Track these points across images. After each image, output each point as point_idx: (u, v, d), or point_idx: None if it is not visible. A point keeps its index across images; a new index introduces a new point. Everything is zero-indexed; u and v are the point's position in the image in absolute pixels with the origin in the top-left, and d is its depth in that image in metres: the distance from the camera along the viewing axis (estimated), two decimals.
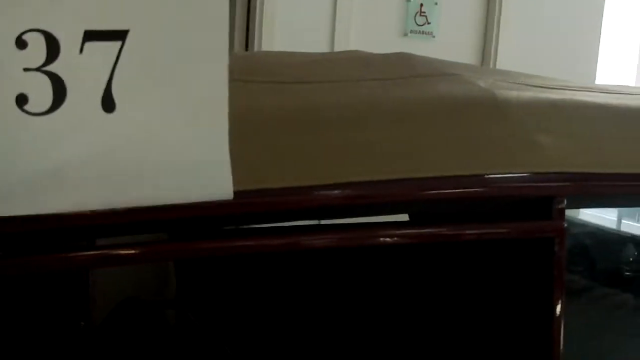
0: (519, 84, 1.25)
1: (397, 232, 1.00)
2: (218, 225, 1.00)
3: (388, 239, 0.99)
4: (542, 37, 4.71)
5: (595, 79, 4.84)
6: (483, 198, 1.02)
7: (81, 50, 0.78)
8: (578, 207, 1.25)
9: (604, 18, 4.81)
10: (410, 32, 4.57)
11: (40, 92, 0.76)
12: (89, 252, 0.89)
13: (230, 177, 0.84)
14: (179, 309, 1.98)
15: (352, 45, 4.25)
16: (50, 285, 1.20)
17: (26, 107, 0.76)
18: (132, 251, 0.90)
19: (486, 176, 1.01)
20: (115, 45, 0.79)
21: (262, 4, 4.06)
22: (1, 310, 1.18)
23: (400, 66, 1.26)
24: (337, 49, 4.25)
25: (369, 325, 1.52)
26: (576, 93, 1.23)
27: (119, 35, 0.79)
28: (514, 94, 1.14)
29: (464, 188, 1.00)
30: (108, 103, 0.79)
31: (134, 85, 0.79)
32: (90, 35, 0.77)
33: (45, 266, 0.88)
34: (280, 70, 1.16)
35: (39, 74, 0.76)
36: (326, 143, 0.97)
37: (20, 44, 0.75)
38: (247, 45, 4.12)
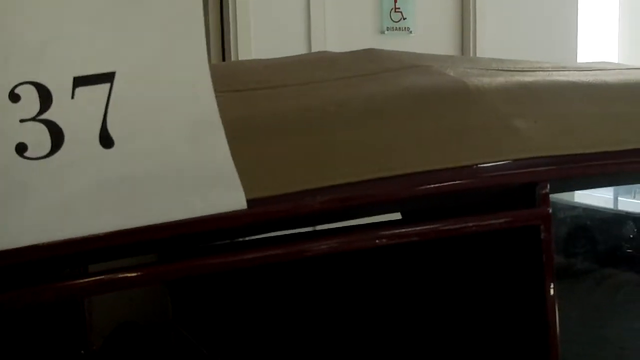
0: (490, 69, 1.22)
1: (382, 232, 0.96)
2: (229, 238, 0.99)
3: (376, 240, 0.96)
4: (520, 25, 4.71)
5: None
6: (464, 190, 0.98)
7: (73, 95, 0.82)
8: (562, 190, 1.22)
9: (579, 3, 4.81)
10: (387, 30, 4.55)
11: (38, 139, 0.80)
12: (87, 279, 0.87)
13: (240, 187, 0.86)
14: (176, 330, 1.95)
15: (329, 48, 4.23)
16: (46, 313, 1.17)
17: (26, 154, 0.79)
18: (133, 274, 0.89)
19: (465, 168, 0.98)
20: (105, 86, 0.83)
21: (234, 11, 4.04)
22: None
23: (368, 62, 1.23)
24: (314, 48, 4.23)
25: (366, 325, 1.49)
26: (550, 74, 1.20)
27: (107, 77, 0.83)
28: (485, 80, 1.11)
29: (442, 182, 0.96)
30: (106, 140, 0.82)
31: (128, 119, 0.83)
32: (79, 81, 0.82)
33: (44, 297, 0.87)
34: (242, 78, 1.13)
35: (35, 123, 0.80)
36: (294, 149, 0.94)
37: (14, 97, 0.79)
38: (223, 55, 4.09)
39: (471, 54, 4.74)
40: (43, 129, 0.81)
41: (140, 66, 0.84)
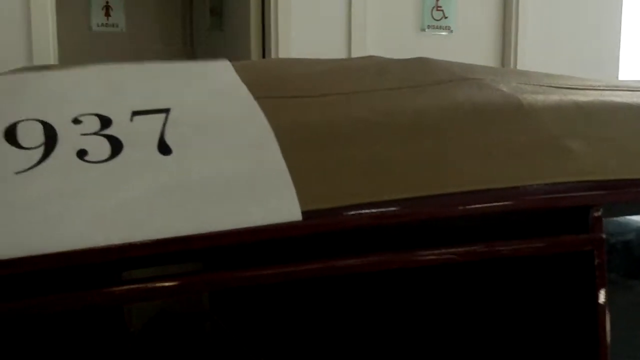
0: (543, 86, 1.20)
1: (430, 252, 0.95)
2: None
3: (421, 259, 0.95)
4: (562, 27, 4.64)
5: (618, 67, 4.76)
6: (513, 211, 0.97)
7: (131, 120, 0.90)
8: (616, 215, 1.19)
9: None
10: (428, 28, 4.52)
11: (98, 147, 0.85)
12: (127, 287, 0.87)
13: (295, 198, 0.86)
14: (212, 320, 1.97)
15: (369, 43, 4.21)
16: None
17: (86, 158, 0.84)
18: (178, 282, 0.88)
19: (515, 188, 0.96)
20: (161, 115, 0.91)
21: (276, 7, 4.03)
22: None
23: (418, 72, 1.22)
24: (354, 47, 4.22)
25: (406, 341, 1.48)
26: (602, 93, 1.18)
27: (163, 111, 0.91)
28: (539, 98, 1.10)
29: (492, 202, 0.95)
30: (163, 148, 0.87)
31: (185, 132, 0.89)
32: (138, 113, 0.90)
33: (90, 301, 0.87)
34: (293, 84, 1.13)
35: (95, 136, 0.86)
36: (345, 161, 0.93)
37: (76, 122, 0.88)
38: (263, 49, 4.09)
39: (512, 54, 4.69)
40: (103, 140, 0.87)
41: (194, 103, 0.94)
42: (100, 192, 0.82)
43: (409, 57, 4.68)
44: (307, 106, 1.03)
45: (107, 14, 5.22)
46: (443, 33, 4.58)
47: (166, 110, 0.92)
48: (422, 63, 1.28)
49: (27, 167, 0.82)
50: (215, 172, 0.87)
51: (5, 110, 0.90)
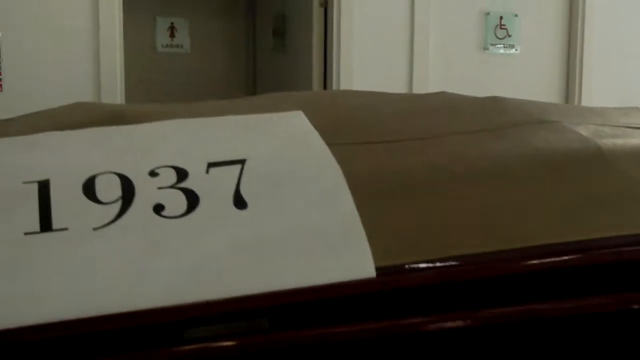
0: (621, 127, 1.17)
1: (497, 310, 0.92)
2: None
3: (489, 318, 0.92)
4: (629, 43, 4.54)
5: None
6: (590, 264, 0.94)
7: (207, 172, 0.90)
8: None
9: None
10: (491, 46, 4.46)
11: (175, 201, 0.85)
12: (194, 346, 0.86)
13: (369, 254, 0.85)
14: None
15: (432, 63, 4.18)
16: None
17: (163, 213, 0.84)
18: (241, 342, 0.87)
19: (596, 240, 0.93)
20: (237, 167, 0.91)
21: (338, 27, 4.03)
22: None
23: (493, 113, 1.19)
24: (415, 67, 4.19)
25: None
26: None
27: (238, 162, 0.92)
28: (619, 142, 1.06)
29: (570, 255, 0.91)
30: (239, 202, 0.87)
31: (260, 186, 0.89)
32: (213, 164, 0.91)
33: None
34: (364, 127, 1.12)
35: (171, 189, 0.87)
36: (421, 213, 0.91)
37: (153, 174, 0.88)
38: (325, 70, 4.09)
39: (577, 73, 4.60)
40: (179, 193, 0.87)
41: (268, 155, 0.94)
42: (177, 250, 0.82)
43: (472, 76, 4.64)
44: (380, 153, 1.02)
45: (172, 35, 5.31)
46: (507, 52, 4.52)
47: (241, 161, 0.92)
48: (495, 103, 1.25)
49: (105, 222, 0.83)
50: (290, 228, 0.86)
51: (84, 162, 0.91)
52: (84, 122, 1.04)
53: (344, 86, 4.01)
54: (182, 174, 0.89)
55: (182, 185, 0.87)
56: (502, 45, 4.52)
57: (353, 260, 0.85)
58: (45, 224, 0.81)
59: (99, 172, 0.88)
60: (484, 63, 4.40)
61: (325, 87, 4.09)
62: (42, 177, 0.87)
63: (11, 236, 0.80)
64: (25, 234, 0.81)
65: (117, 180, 0.87)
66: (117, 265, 0.80)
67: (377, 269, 0.85)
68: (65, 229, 0.81)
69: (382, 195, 0.93)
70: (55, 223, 0.82)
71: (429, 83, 4.19)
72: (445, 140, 1.06)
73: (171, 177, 0.88)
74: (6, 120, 1.62)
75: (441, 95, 1.38)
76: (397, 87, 4.14)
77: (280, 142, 0.97)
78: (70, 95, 3.59)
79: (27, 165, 0.90)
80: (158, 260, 0.81)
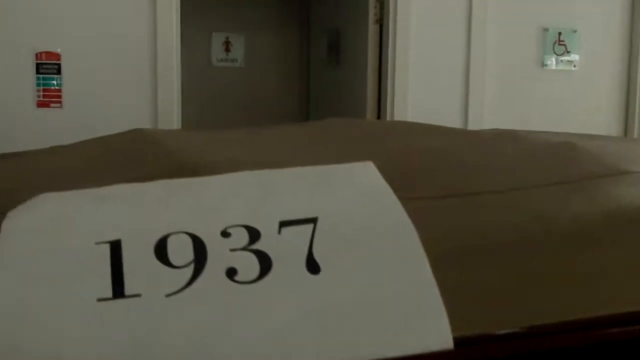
0: None
1: None
2: None
3: None
4: None
5: None
6: None
7: (279, 232, 0.88)
8: None
9: None
10: (549, 63, 4.38)
11: (247, 265, 0.83)
12: None
13: (447, 324, 0.82)
14: None
15: (489, 80, 4.12)
16: None
17: (236, 278, 0.82)
18: None
19: None
20: (309, 226, 0.89)
21: (394, 40, 4.00)
22: None
23: (569, 163, 1.15)
24: (472, 82, 4.13)
25: None
26: None
27: (310, 221, 0.89)
28: None
29: None
30: (312, 266, 0.84)
31: (333, 249, 0.86)
32: (285, 224, 0.89)
33: None
34: (444, 177, 1.08)
35: (244, 252, 0.84)
36: (501, 279, 0.88)
37: (225, 234, 0.86)
38: (380, 84, 4.06)
39: (638, 91, 4.49)
40: (251, 256, 0.85)
41: (340, 213, 0.91)
42: (250, 319, 0.80)
43: (530, 93, 4.54)
44: (456, 209, 0.98)
45: (227, 49, 5.35)
46: (565, 68, 4.43)
47: (313, 220, 0.89)
48: (570, 150, 1.20)
49: (177, 289, 0.81)
50: (363, 295, 0.83)
51: (155, 221, 0.89)
52: (154, 175, 1.03)
53: (398, 101, 3.97)
54: (254, 234, 0.86)
55: (255, 247, 0.85)
56: (560, 62, 4.43)
57: (429, 331, 0.82)
58: (118, 289, 0.80)
59: (170, 232, 0.86)
60: (542, 80, 4.33)
61: (379, 101, 4.06)
62: (113, 237, 0.85)
63: (84, 302, 0.79)
64: (98, 300, 0.79)
65: (189, 241, 0.85)
66: (190, 334, 0.78)
67: (455, 339, 0.82)
68: (138, 295, 0.80)
69: (459, 259, 0.90)
70: (128, 289, 0.80)
71: (485, 100, 4.14)
72: (523, 194, 1.02)
73: (243, 237, 0.86)
74: (65, 147, 1.63)
75: (509, 135, 1.33)
76: (452, 103, 4.09)
77: (351, 198, 0.94)
78: (128, 110, 3.63)
79: (98, 222, 0.89)
80: (232, 329, 0.79)
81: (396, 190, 0.98)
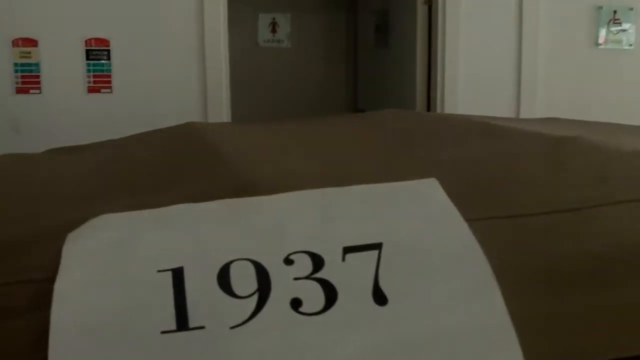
0: None
1: None
2: None
3: None
4: None
5: None
6: None
7: (343, 259, 0.85)
8: None
9: None
10: (603, 42, 4.25)
11: (312, 295, 0.81)
12: None
13: (521, 357, 0.78)
14: None
15: (541, 60, 4.01)
16: None
17: (301, 309, 0.80)
18: None
19: None
20: (373, 253, 0.86)
21: (443, 20, 3.92)
22: None
23: None
24: (524, 65, 4.03)
25: None
26: None
27: (375, 246, 0.86)
28: None
29: None
30: (379, 297, 0.82)
31: (400, 279, 0.84)
32: (349, 250, 0.86)
33: None
34: (511, 192, 1.03)
35: (308, 280, 0.82)
36: (576, 310, 0.84)
37: (288, 262, 0.84)
38: (429, 66, 3.99)
39: None
40: (316, 285, 0.82)
41: (406, 238, 0.89)
42: (316, 353, 0.78)
43: (583, 73, 4.38)
44: (527, 231, 0.94)
45: (274, 30, 5.32)
46: (620, 47, 4.30)
47: (378, 246, 0.87)
48: None
49: (241, 320, 0.79)
50: (433, 328, 0.80)
51: (217, 246, 0.87)
52: (212, 191, 1.01)
53: (448, 84, 3.90)
54: (318, 262, 0.84)
55: (319, 275, 0.83)
56: (615, 41, 4.30)
57: None
58: (182, 321, 0.79)
59: (233, 258, 0.85)
60: (596, 60, 4.21)
61: (429, 82, 3.99)
62: (175, 265, 0.84)
63: (148, 335, 0.78)
64: (162, 332, 0.78)
65: (252, 270, 0.83)
66: None
67: None
68: (202, 327, 0.79)
69: (531, 289, 0.86)
70: (192, 321, 0.79)
71: (537, 81, 4.03)
72: (596, 213, 0.98)
73: (307, 265, 0.84)
74: (116, 145, 1.61)
75: (574, 144, 1.27)
76: (504, 85, 4.00)
77: (417, 222, 0.91)
78: (176, 93, 3.63)
79: (158, 248, 0.87)
80: None
81: (461, 208, 0.94)
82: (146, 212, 0.94)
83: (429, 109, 3.97)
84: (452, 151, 1.24)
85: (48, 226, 0.98)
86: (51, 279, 0.83)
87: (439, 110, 3.88)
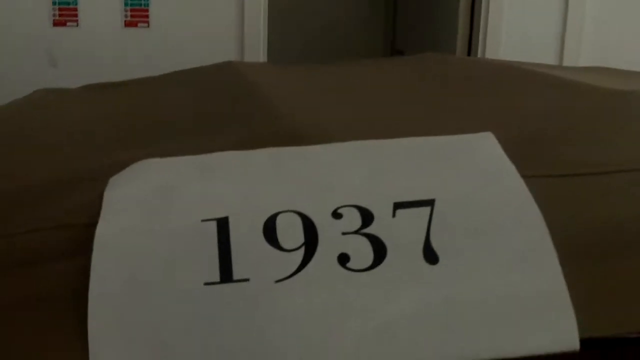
0: None
1: None
2: None
3: None
4: None
5: None
6: None
7: (394, 215, 0.81)
8: None
9: None
10: None
11: (360, 251, 0.78)
12: None
13: (574, 323, 0.75)
14: None
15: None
16: None
17: (349, 265, 0.77)
18: None
19: None
20: (425, 209, 0.82)
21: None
22: None
23: None
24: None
25: None
26: None
27: (427, 203, 0.82)
28: None
29: None
30: (430, 255, 0.78)
31: (452, 238, 0.80)
32: (400, 205, 0.82)
33: None
34: (566, 148, 0.99)
35: (357, 236, 0.79)
36: (634, 275, 0.80)
37: (336, 215, 0.81)
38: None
39: None
40: (364, 241, 0.79)
41: (460, 195, 0.84)
42: (364, 310, 0.75)
43: (632, 12, 4.18)
44: (583, 190, 0.90)
45: None
46: None
47: (430, 202, 0.83)
48: None
49: (288, 274, 0.77)
50: (485, 289, 0.77)
51: (262, 197, 0.84)
52: (258, 137, 0.98)
53: (491, 27, 3.79)
54: (367, 217, 0.81)
55: (368, 230, 0.79)
56: None
57: (555, 331, 0.76)
58: (226, 273, 0.76)
59: (279, 210, 0.82)
60: None
61: (471, 26, 3.88)
62: (220, 214, 0.81)
63: (191, 285, 0.76)
64: (205, 284, 0.76)
65: (299, 222, 0.80)
66: (301, 325, 0.74)
67: (582, 341, 0.76)
68: (247, 279, 0.76)
69: (587, 253, 0.82)
70: (236, 273, 0.76)
71: (584, 25, 3.90)
72: None
73: (355, 219, 0.81)
74: (155, 83, 1.58)
75: (635, 97, 1.21)
76: (548, 29, 3.87)
77: (472, 178, 0.87)
78: (213, 31, 3.58)
79: (202, 196, 0.85)
80: (344, 321, 0.74)
81: (517, 164, 0.90)
82: (190, 159, 0.91)
83: (469, 54, 3.87)
84: (506, 102, 1.19)
85: (87, 169, 0.96)
86: (92, 225, 0.81)
87: (479, 56, 3.78)
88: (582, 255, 0.81)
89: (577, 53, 3.84)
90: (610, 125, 1.07)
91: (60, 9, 3.43)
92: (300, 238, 0.79)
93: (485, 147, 0.93)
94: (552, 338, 0.76)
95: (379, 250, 0.78)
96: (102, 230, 0.80)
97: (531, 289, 0.77)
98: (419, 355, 0.74)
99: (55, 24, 3.46)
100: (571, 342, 0.76)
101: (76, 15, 3.45)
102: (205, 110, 1.25)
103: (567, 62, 3.78)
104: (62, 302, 0.76)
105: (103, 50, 3.50)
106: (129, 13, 3.49)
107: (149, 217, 0.82)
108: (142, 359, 0.72)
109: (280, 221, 0.81)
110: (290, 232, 0.79)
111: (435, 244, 0.80)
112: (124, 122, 1.23)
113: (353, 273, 0.77)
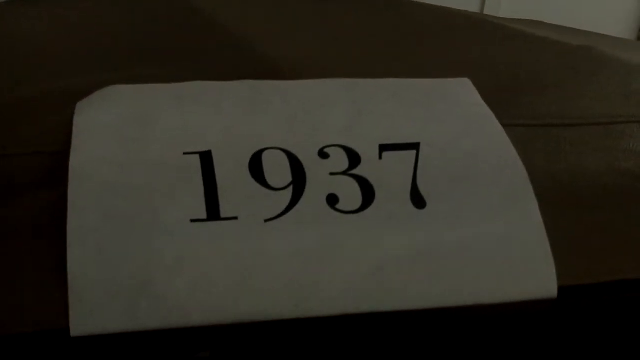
0: None
1: None
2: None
3: None
4: None
5: None
6: None
7: (380, 157, 0.80)
8: None
9: None
10: None
11: (349, 193, 0.77)
12: None
13: (554, 272, 0.77)
14: None
15: None
16: None
17: (337, 206, 0.76)
18: None
19: None
20: (411, 153, 0.81)
21: None
22: None
23: None
24: None
25: None
26: None
27: (412, 146, 0.82)
28: None
29: None
30: (417, 200, 0.78)
31: (438, 183, 0.80)
32: (386, 147, 0.81)
33: None
34: (550, 100, 0.99)
35: (345, 177, 0.77)
36: (612, 225, 0.82)
37: (323, 155, 0.79)
38: None
39: None
40: (353, 183, 0.78)
41: (444, 140, 0.84)
42: (355, 253, 0.74)
43: None
44: (559, 142, 0.91)
45: None
46: None
47: (416, 146, 0.82)
48: None
49: (277, 213, 0.74)
50: (470, 235, 0.78)
51: (246, 131, 0.81)
52: (230, 71, 0.94)
53: None
54: (354, 158, 0.79)
55: (356, 172, 0.78)
56: None
57: (535, 279, 0.77)
58: (213, 210, 0.73)
59: (264, 146, 0.79)
60: None
61: None
62: (203, 148, 0.78)
63: (176, 222, 0.72)
64: (192, 221, 0.73)
65: (286, 160, 0.78)
66: (291, 265, 0.72)
67: (560, 288, 0.78)
68: (235, 218, 0.73)
69: (564, 202, 0.83)
70: (224, 211, 0.73)
71: None
72: (625, 130, 0.95)
73: (342, 160, 0.79)
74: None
75: (595, 53, 1.22)
76: None
77: (453, 123, 0.87)
78: None
79: (182, 127, 0.80)
80: (335, 262, 0.73)
81: (497, 112, 0.90)
82: (164, 87, 0.87)
83: None
84: (475, 52, 1.18)
85: (51, 92, 0.89)
86: (65, 152, 0.76)
87: None
88: (557, 205, 0.83)
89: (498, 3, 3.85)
90: (578, 79, 1.08)
91: None
92: (287, 176, 0.77)
93: (464, 92, 0.92)
94: (532, 286, 0.77)
95: (367, 193, 0.77)
96: (77, 160, 0.75)
97: (513, 237, 0.79)
98: (405, 299, 0.75)
99: None
100: (550, 290, 0.78)
101: None
102: (161, 36, 1.18)
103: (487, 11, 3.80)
104: (41, 234, 0.71)
105: None
106: None
107: (127, 147, 0.77)
108: (125, 296, 0.69)
109: (266, 158, 0.78)
110: (277, 170, 0.77)
111: (422, 188, 0.79)
112: (77, 41, 1.15)
113: (342, 214, 0.76)
